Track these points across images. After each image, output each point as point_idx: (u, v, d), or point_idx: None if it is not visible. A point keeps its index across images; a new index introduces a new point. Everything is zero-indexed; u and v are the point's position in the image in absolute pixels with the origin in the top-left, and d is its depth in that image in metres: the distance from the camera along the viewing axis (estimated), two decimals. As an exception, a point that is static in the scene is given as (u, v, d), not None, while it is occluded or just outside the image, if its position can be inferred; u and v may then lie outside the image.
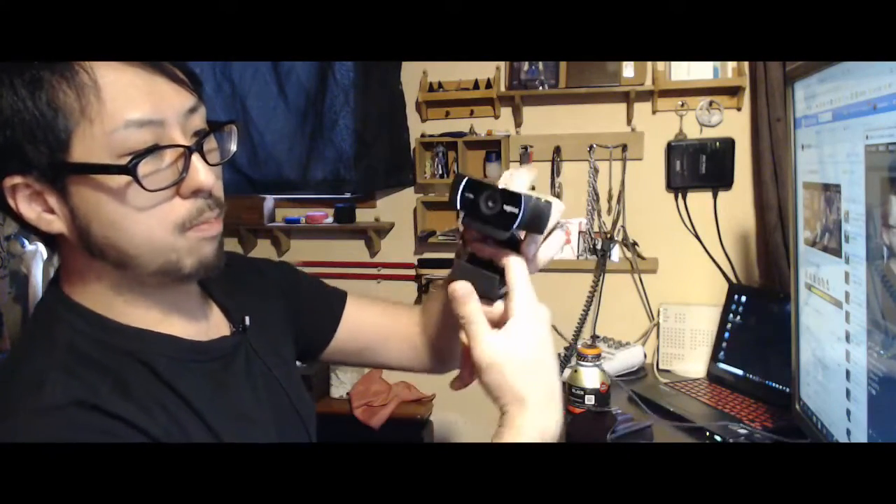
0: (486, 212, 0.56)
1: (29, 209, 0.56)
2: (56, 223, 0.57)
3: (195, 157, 0.57)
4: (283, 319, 0.81)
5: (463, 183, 0.57)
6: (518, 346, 0.57)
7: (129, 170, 0.53)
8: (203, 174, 0.57)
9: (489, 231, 0.57)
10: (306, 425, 0.76)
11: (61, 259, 0.63)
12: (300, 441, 0.74)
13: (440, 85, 2.14)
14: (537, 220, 0.55)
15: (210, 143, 0.61)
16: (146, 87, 0.55)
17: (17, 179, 0.55)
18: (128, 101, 0.54)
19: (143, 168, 0.54)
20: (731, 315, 1.76)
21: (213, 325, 0.70)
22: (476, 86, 2.10)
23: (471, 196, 0.57)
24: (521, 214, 0.54)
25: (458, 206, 0.57)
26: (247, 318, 0.72)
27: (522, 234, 0.59)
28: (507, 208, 0.55)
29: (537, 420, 0.56)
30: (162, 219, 0.57)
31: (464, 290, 0.58)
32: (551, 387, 0.58)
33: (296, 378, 0.78)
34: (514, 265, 0.58)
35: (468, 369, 0.62)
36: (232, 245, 2.38)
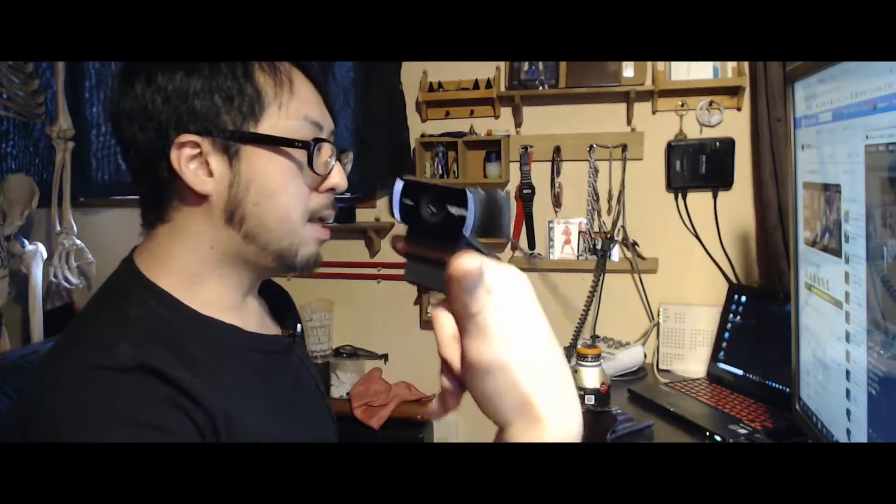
0: (429, 219, 0.43)
1: (187, 167, 0.64)
2: (209, 184, 0.65)
3: (337, 162, 0.70)
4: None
5: (399, 188, 0.44)
6: (524, 337, 0.41)
7: (310, 146, 0.66)
8: (340, 176, 0.71)
9: (438, 246, 0.43)
10: (335, 434, 0.83)
11: (149, 238, 0.69)
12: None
13: (440, 85, 2.14)
14: (494, 219, 0.43)
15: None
16: (317, 99, 0.71)
17: (193, 138, 0.63)
18: (308, 103, 0.69)
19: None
20: (731, 315, 1.76)
21: (266, 324, 0.77)
22: (476, 86, 2.10)
23: (410, 203, 0.44)
24: (469, 215, 0.41)
25: (399, 218, 0.44)
26: (298, 326, 0.80)
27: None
28: (453, 210, 0.42)
29: (553, 427, 0.41)
30: (301, 203, 0.68)
31: (473, 266, 0.39)
32: (564, 383, 0.42)
33: (326, 395, 0.85)
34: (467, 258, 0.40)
35: (454, 388, 0.43)
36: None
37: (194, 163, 0.64)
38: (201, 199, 0.65)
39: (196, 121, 0.63)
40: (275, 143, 0.65)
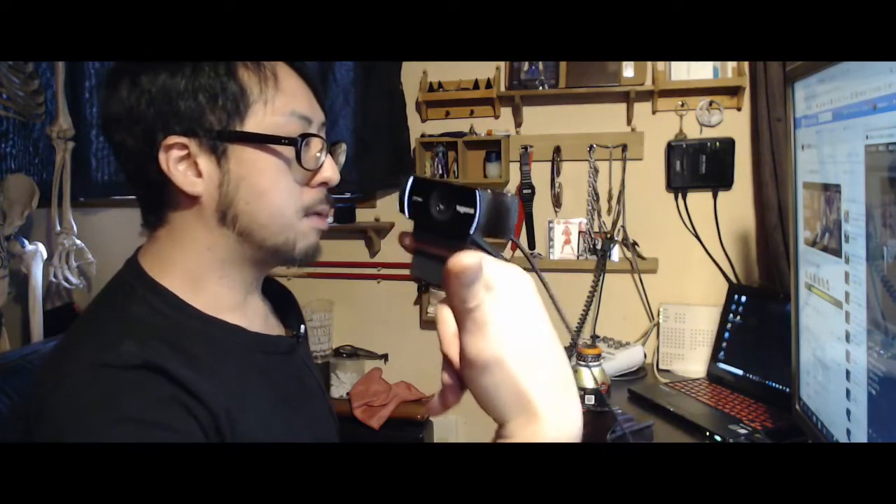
0: (437, 217, 0.43)
1: (176, 168, 0.64)
2: (199, 185, 0.64)
3: (328, 155, 0.69)
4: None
5: (409, 184, 0.45)
6: (521, 333, 0.41)
7: (296, 142, 0.65)
8: (332, 170, 0.70)
9: (444, 244, 0.43)
10: (337, 435, 0.83)
11: (151, 241, 0.69)
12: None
13: (440, 85, 2.14)
14: (501, 219, 0.43)
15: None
16: (305, 93, 0.69)
17: (180, 139, 0.63)
18: (295, 97, 0.67)
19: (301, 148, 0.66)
20: (731, 315, 1.76)
21: (270, 324, 0.77)
22: (476, 86, 2.10)
23: (419, 199, 0.44)
24: (476, 214, 0.42)
25: (408, 215, 0.45)
26: (302, 326, 0.80)
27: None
28: (461, 209, 0.42)
29: (550, 423, 0.41)
30: (294, 199, 0.67)
31: (472, 261, 0.39)
32: (564, 381, 0.42)
33: (327, 395, 0.85)
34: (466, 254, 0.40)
35: (454, 384, 0.43)
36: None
37: (183, 164, 0.64)
38: (193, 200, 0.65)
39: (182, 122, 0.63)
40: (261, 141, 0.65)
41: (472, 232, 0.42)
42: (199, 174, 0.64)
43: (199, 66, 0.63)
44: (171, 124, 0.63)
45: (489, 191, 0.43)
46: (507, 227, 0.43)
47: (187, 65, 0.63)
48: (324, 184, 0.70)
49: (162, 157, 0.63)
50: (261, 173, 0.65)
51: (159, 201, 0.66)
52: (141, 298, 0.64)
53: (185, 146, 0.63)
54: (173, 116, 0.63)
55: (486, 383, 0.41)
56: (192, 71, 0.63)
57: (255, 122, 0.65)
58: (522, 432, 0.41)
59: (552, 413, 0.41)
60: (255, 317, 0.73)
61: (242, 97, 0.64)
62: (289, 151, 0.66)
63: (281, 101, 0.66)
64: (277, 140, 0.65)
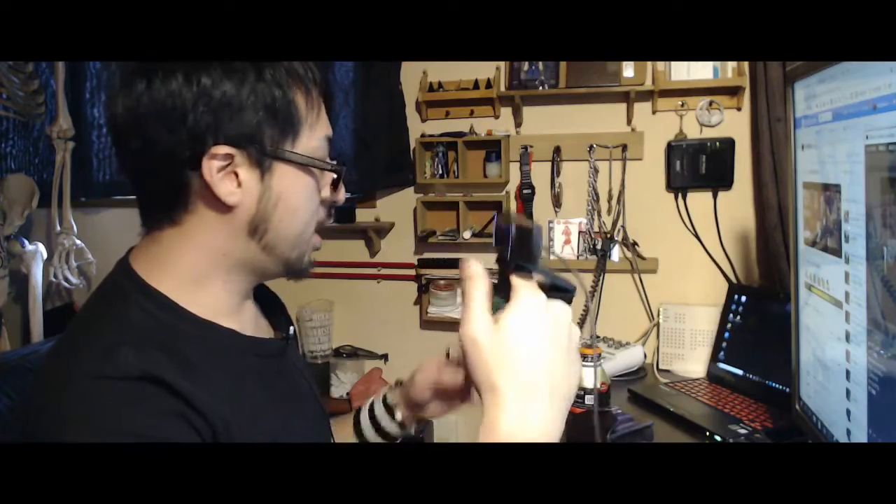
0: (500, 243, 0.57)
1: (216, 176, 0.63)
2: (236, 196, 0.64)
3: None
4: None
5: (495, 219, 0.59)
6: (505, 332, 0.52)
7: (339, 171, 0.71)
8: (342, 191, 0.74)
9: (502, 265, 0.57)
10: (332, 435, 0.84)
11: (151, 241, 0.67)
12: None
13: (440, 85, 2.14)
14: (523, 245, 0.56)
15: None
16: (325, 115, 0.71)
17: (228, 150, 0.62)
18: (325, 121, 0.70)
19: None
20: (731, 315, 1.76)
21: (260, 327, 0.77)
22: (476, 86, 2.10)
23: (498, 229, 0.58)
24: (510, 242, 0.55)
25: (494, 242, 0.58)
26: (291, 328, 0.80)
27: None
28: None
29: (510, 410, 0.50)
30: (315, 217, 0.71)
31: (476, 267, 0.55)
32: (531, 381, 0.51)
33: (319, 394, 0.85)
34: (517, 279, 0.56)
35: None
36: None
37: (222, 172, 0.62)
38: (223, 208, 0.64)
39: (237, 132, 0.62)
40: (315, 166, 0.68)
41: (507, 257, 0.56)
42: (239, 184, 0.64)
43: (261, 76, 0.62)
44: (226, 132, 0.62)
45: (520, 224, 0.56)
46: (529, 253, 0.57)
47: (250, 75, 0.62)
48: (334, 203, 0.73)
49: (206, 163, 0.61)
50: (297, 192, 0.67)
51: (178, 202, 0.64)
52: (134, 302, 0.63)
53: (230, 156, 0.62)
54: (230, 124, 0.62)
55: (466, 359, 0.53)
56: (256, 80, 0.62)
57: (303, 143, 0.67)
58: (486, 403, 0.52)
59: (512, 395, 0.51)
60: (248, 321, 0.73)
61: (296, 116, 0.65)
62: (321, 175, 0.69)
63: (320, 125, 0.69)
64: (326, 166, 0.69)
